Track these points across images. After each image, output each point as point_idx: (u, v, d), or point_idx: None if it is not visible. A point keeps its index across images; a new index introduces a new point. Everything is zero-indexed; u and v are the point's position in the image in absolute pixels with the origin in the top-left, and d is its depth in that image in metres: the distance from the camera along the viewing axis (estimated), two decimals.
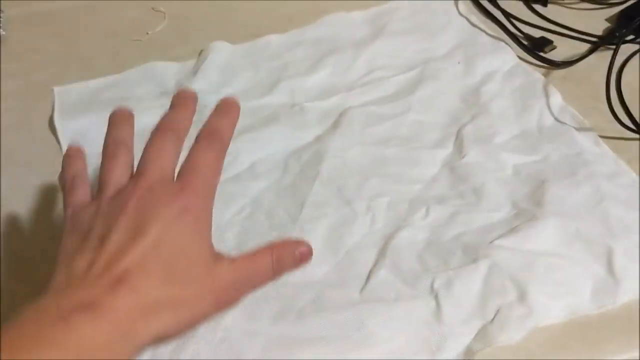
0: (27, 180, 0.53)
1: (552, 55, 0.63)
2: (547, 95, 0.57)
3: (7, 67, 0.64)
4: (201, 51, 0.64)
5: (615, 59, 0.57)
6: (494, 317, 0.41)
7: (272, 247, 0.36)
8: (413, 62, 0.62)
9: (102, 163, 0.37)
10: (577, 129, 0.54)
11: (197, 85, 0.59)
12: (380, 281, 0.44)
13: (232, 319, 0.42)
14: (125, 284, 0.30)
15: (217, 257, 0.34)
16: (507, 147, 0.53)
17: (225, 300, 0.34)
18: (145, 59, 0.64)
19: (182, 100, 0.39)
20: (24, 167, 0.54)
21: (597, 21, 0.67)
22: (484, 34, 0.65)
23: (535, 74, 0.60)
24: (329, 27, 0.67)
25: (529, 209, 0.47)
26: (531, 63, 0.62)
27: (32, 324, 0.28)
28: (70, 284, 0.31)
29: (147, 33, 0.68)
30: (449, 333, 0.41)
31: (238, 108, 0.40)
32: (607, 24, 0.67)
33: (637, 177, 0.50)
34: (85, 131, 0.56)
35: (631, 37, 0.63)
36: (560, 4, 0.70)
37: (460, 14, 0.68)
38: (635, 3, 0.66)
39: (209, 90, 0.59)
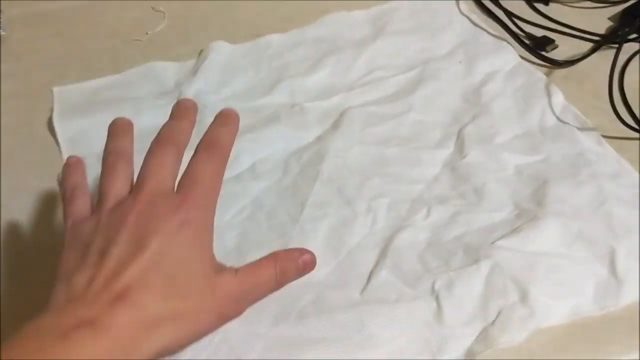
0: (27, 181, 0.52)
1: (554, 54, 0.62)
2: (549, 95, 0.57)
3: (7, 68, 0.64)
4: (201, 51, 0.64)
5: (618, 58, 0.57)
6: (496, 318, 0.41)
7: (275, 258, 0.36)
8: (414, 62, 0.62)
9: (102, 174, 0.37)
10: (580, 129, 0.54)
11: (197, 85, 0.59)
12: (381, 282, 0.44)
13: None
14: (126, 300, 0.30)
15: (219, 269, 0.34)
16: (508, 147, 0.53)
17: (228, 313, 0.34)
18: (145, 59, 0.64)
19: (183, 111, 0.39)
20: (24, 168, 0.54)
21: (599, 20, 0.66)
22: (485, 33, 0.65)
23: (537, 73, 0.60)
24: (330, 27, 0.67)
25: (530, 209, 0.47)
26: (533, 62, 0.62)
27: (33, 342, 0.28)
28: (70, 300, 0.30)
29: (147, 33, 0.68)
30: (450, 334, 0.41)
31: (237, 119, 0.40)
32: (610, 23, 0.66)
33: None
34: (84, 132, 0.56)
35: (634, 35, 0.62)
36: (562, 3, 0.69)
37: (462, 13, 0.68)
38: (638, 1, 0.65)
39: (208, 91, 0.59)
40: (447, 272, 0.43)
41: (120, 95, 0.60)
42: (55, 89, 0.61)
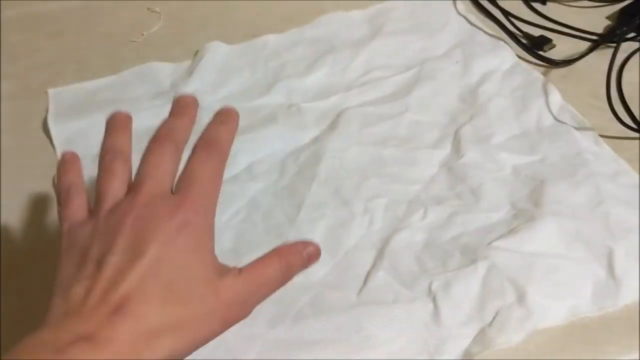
0: (23, 182, 0.52)
1: (551, 54, 0.62)
2: (546, 95, 0.57)
3: (3, 69, 0.64)
4: (197, 51, 0.64)
5: (615, 57, 0.57)
6: (493, 319, 0.41)
7: (279, 253, 0.35)
8: (411, 62, 0.62)
9: (98, 174, 0.36)
10: (577, 129, 0.54)
11: (193, 85, 0.59)
12: (378, 283, 0.44)
13: None
14: (125, 312, 0.29)
15: (222, 271, 0.33)
16: (505, 147, 0.52)
17: (232, 317, 0.33)
18: (141, 60, 0.63)
19: (182, 108, 0.38)
20: (21, 169, 0.54)
21: (597, 19, 0.66)
22: (482, 33, 0.65)
23: (534, 73, 0.60)
24: (327, 27, 0.67)
25: (528, 209, 0.47)
26: (530, 62, 0.62)
27: (30, 357, 0.27)
28: (67, 314, 0.30)
29: (143, 34, 0.68)
30: (448, 335, 0.40)
31: (237, 117, 0.39)
32: (608, 22, 0.66)
33: (638, 177, 0.50)
34: (80, 133, 0.55)
35: (632, 35, 0.62)
36: (559, 2, 0.69)
37: (459, 13, 0.68)
38: (635, 1, 0.65)
39: (205, 91, 0.59)
40: (444, 273, 0.43)
41: (116, 96, 0.59)
42: (50, 91, 0.61)
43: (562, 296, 0.42)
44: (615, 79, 0.57)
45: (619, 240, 0.44)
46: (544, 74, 0.60)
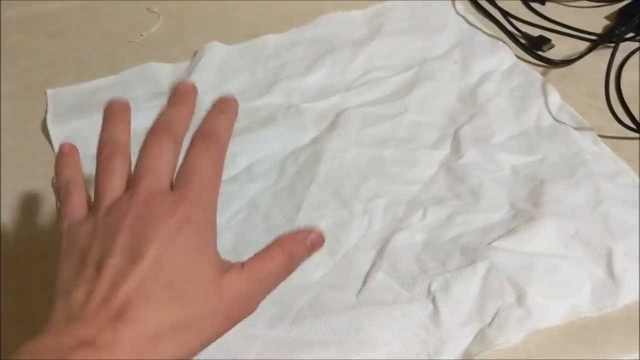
0: (24, 183, 0.52)
1: (550, 54, 0.62)
2: (545, 95, 0.57)
3: (3, 69, 0.64)
4: (196, 52, 0.64)
5: (614, 57, 0.57)
6: (493, 319, 0.41)
7: (281, 243, 0.34)
8: (410, 62, 0.62)
9: (97, 169, 0.35)
10: (576, 129, 0.54)
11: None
12: (377, 284, 0.44)
13: None
14: (126, 316, 0.29)
15: (224, 268, 0.32)
16: (505, 147, 0.52)
17: (236, 314, 0.32)
18: (141, 60, 0.63)
19: (181, 96, 0.37)
20: (21, 169, 0.54)
21: (596, 19, 0.66)
22: (481, 33, 0.65)
23: (533, 73, 0.60)
24: (326, 27, 0.67)
25: (527, 209, 0.47)
26: (529, 62, 0.62)
27: None
28: (69, 319, 0.29)
29: (142, 34, 0.68)
30: (447, 336, 0.41)
31: (236, 106, 0.38)
32: (607, 22, 0.66)
33: (637, 177, 0.50)
34: (79, 134, 0.55)
35: (631, 34, 0.62)
36: (558, 2, 0.69)
37: (458, 13, 0.68)
38: (634, 0, 0.65)
39: (204, 91, 0.58)
40: (444, 274, 0.43)
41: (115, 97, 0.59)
42: (49, 91, 0.61)
43: (561, 296, 0.42)
44: (614, 79, 0.57)
45: (618, 241, 0.44)
46: (543, 74, 0.60)
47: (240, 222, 0.49)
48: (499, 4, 0.68)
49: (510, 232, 0.45)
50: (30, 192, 0.52)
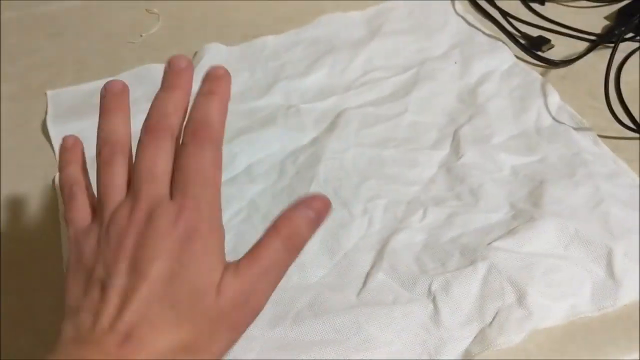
0: (24, 183, 0.52)
1: (550, 54, 0.62)
2: (545, 95, 0.57)
3: (4, 70, 0.64)
4: (195, 53, 0.64)
5: (614, 57, 0.57)
6: (493, 319, 0.41)
7: (276, 228, 0.32)
8: (410, 63, 0.62)
9: (98, 170, 0.34)
10: (576, 129, 0.54)
11: (193, 88, 0.59)
12: (377, 284, 0.43)
13: None
14: (133, 340, 0.28)
15: (225, 270, 0.31)
16: (504, 148, 0.52)
17: (240, 320, 0.31)
18: (140, 61, 0.64)
19: (175, 79, 0.35)
20: (21, 170, 0.54)
21: (595, 19, 0.66)
22: (481, 33, 0.65)
23: (533, 73, 0.60)
24: (326, 28, 0.67)
25: (527, 210, 0.47)
26: (529, 62, 0.62)
27: None
28: (77, 341, 0.29)
29: (142, 35, 0.68)
30: (448, 336, 0.40)
31: (228, 78, 0.35)
32: (606, 22, 0.66)
33: (637, 177, 0.50)
34: (79, 135, 0.55)
35: (630, 35, 0.62)
36: (558, 2, 0.69)
37: (457, 14, 0.68)
38: (634, 0, 0.65)
39: None
40: (444, 274, 0.43)
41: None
42: (49, 92, 0.61)
43: (561, 296, 0.42)
44: (613, 79, 0.57)
45: (618, 241, 0.44)
46: (543, 74, 0.60)
47: (240, 223, 0.49)
48: (499, 4, 0.68)
49: (510, 232, 0.45)
50: (30, 192, 0.52)
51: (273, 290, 0.32)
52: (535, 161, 0.51)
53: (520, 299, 0.41)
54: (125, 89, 0.37)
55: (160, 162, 0.33)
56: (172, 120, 0.34)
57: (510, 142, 0.53)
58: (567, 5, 0.69)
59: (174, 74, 0.35)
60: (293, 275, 0.45)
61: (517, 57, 0.62)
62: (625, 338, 0.40)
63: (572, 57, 0.61)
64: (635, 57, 0.61)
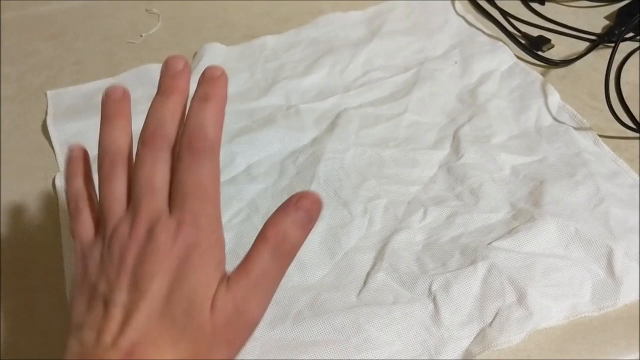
0: (24, 183, 0.52)
1: (550, 54, 0.62)
2: (545, 95, 0.57)
3: (3, 71, 0.64)
4: (195, 53, 0.64)
5: (614, 57, 0.57)
6: (493, 319, 0.41)
7: (264, 236, 0.31)
8: (410, 63, 0.62)
9: (100, 182, 0.34)
10: (576, 129, 0.54)
11: (191, 87, 0.59)
12: (378, 284, 0.43)
13: None
14: (134, 357, 0.29)
15: (219, 285, 0.31)
16: (505, 148, 0.52)
17: (235, 335, 0.31)
18: (140, 61, 0.64)
19: (171, 81, 0.35)
20: (21, 170, 0.54)
21: (595, 19, 0.66)
22: (481, 33, 0.65)
23: (533, 73, 0.60)
24: (325, 28, 0.67)
25: (527, 209, 0.47)
26: (529, 62, 0.62)
27: None
28: (82, 356, 0.30)
29: (141, 35, 0.68)
30: (448, 336, 0.40)
31: (224, 79, 0.34)
32: (606, 22, 0.66)
33: (638, 177, 0.50)
34: (79, 134, 0.56)
35: (630, 34, 0.62)
36: (558, 2, 0.69)
37: (457, 14, 0.68)
38: (634, 0, 0.65)
39: None
40: (444, 274, 0.43)
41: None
42: (49, 92, 0.61)
43: (561, 296, 0.42)
44: (614, 78, 0.57)
45: (619, 240, 0.44)
46: (543, 74, 0.60)
47: (240, 223, 0.48)
48: (499, 4, 0.68)
49: (511, 232, 0.45)
50: (30, 192, 0.52)
51: (269, 300, 0.32)
52: (536, 161, 0.51)
53: (521, 298, 0.41)
54: (125, 94, 0.37)
55: (159, 175, 0.33)
56: (169, 129, 0.34)
57: (510, 142, 0.53)
58: (567, 5, 0.69)
59: (170, 77, 0.35)
60: (293, 276, 0.45)
61: (518, 57, 0.62)
62: (625, 338, 0.40)
63: (572, 57, 0.61)
64: (635, 57, 0.61)
